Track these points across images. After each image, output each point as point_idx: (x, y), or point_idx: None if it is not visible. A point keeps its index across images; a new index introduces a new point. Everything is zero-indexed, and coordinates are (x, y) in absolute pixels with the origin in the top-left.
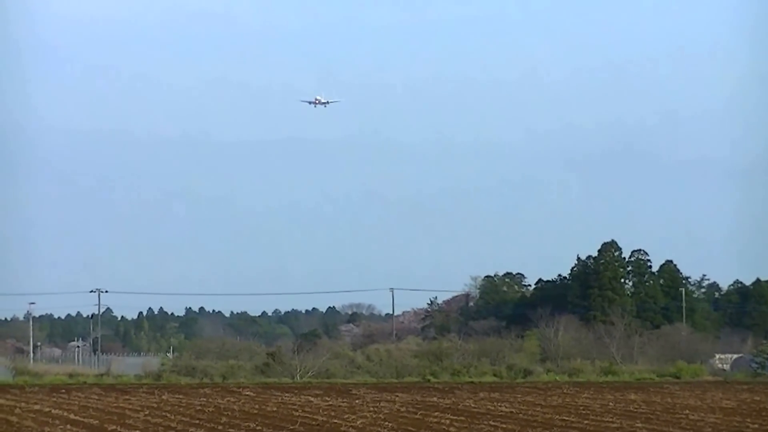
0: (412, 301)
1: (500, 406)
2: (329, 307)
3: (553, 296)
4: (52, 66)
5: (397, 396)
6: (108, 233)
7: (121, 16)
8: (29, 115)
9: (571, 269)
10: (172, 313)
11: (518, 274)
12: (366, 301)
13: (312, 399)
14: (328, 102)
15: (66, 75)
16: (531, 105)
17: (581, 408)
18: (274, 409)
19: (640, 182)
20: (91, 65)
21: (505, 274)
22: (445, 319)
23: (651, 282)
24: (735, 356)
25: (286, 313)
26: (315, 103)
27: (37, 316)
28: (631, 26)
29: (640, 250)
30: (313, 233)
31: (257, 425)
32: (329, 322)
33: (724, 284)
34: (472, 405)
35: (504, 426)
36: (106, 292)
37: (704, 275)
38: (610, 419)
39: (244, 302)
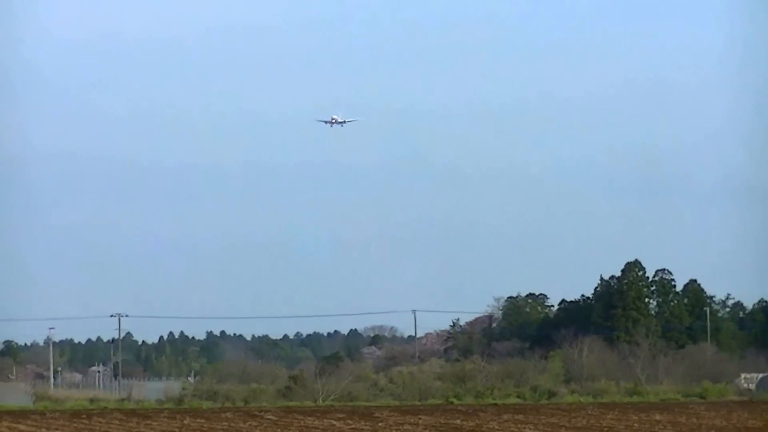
0: (435, 323)
1: (524, 428)
2: (351, 329)
3: (577, 317)
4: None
5: (421, 419)
6: (127, 258)
7: (129, 39)
8: (50, 140)
9: (595, 289)
10: (194, 337)
11: (541, 294)
12: (388, 323)
13: (335, 422)
14: (345, 121)
15: (96, 101)
16: (552, 128)
17: (606, 429)
18: None
19: (664, 201)
20: (107, 90)
21: (528, 295)
22: (468, 341)
23: (675, 301)
24: (761, 375)
25: (308, 336)
26: (332, 122)
27: (57, 341)
28: (659, 49)
29: (664, 269)
30: (334, 256)
31: None
32: (351, 344)
33: (749, 303)
34: (496, 427)
35: None
36: (127, 316)
37: (729, 294)
38: None
39: (266, 326)
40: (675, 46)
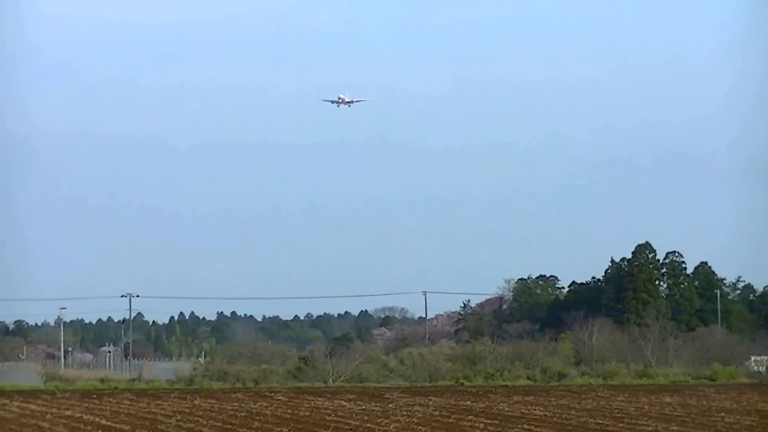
0: (445, 304)
1: (534, 409)
2: (362, 310)
3: (587, 299)
4: (87, 71)
5: (431, 400)
6: (139, 238)
7: (134, 20)
8: (62, 119)
9: (605, 271)
10: (204, 318)
11: (551, 276)
12: (399, 304)
13: (345, 403)
14: (352, 101)
15: (102, 79)
16: (560, 107)
17: (616, 411)
18: (307, 413)
19: (674, 183)
20: (111, 71)
21: (538, 277)
22: (479, 323)
23: (686, 284)
24: None
25: (319, 317)
26: (338, 102)
27: (68, 321)
28: (665, 27)
29: (674, 251)
30: (344, 236)
31: (290, 430)
32: (362, 325)
33: (760, 286)
34: (506, 409)
35: (538, 430)
36: (138, 296)
37: (739, 277)
38: (645, 422)
39: (276, 306)
40: (680, 23)
